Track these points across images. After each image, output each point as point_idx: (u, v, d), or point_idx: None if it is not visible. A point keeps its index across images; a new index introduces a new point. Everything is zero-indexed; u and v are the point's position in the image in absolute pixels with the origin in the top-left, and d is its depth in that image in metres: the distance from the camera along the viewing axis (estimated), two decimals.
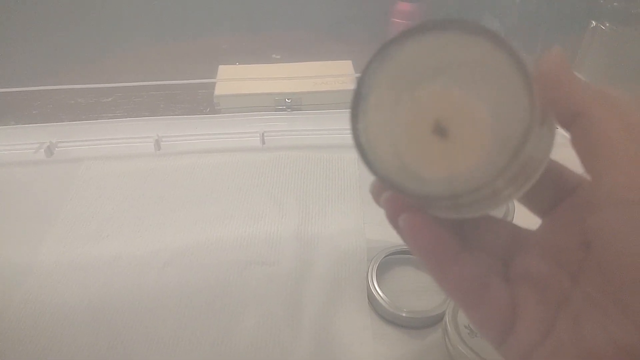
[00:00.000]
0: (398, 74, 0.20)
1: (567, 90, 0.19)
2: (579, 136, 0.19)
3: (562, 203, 0.22)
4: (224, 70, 0.71)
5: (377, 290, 0.45)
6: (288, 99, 0.67)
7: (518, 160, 0.18)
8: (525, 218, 0.24)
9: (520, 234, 0.23)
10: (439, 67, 0.19)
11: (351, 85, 0.68)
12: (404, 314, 0.43)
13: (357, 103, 0.20)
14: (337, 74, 0.69)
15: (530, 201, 0.23)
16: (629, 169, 0.18)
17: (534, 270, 0.21)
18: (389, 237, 0.50)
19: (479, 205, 0.20)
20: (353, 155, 0.60)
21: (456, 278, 0.20)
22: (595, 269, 0.19)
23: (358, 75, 0.20)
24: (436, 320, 0.43)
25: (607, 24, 0.70)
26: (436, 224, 0.20)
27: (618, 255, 0.17)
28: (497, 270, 0.22)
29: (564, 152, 0.21)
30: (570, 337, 0.19)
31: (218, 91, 0.67)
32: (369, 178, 0.21)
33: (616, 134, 0.18)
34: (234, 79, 0.70)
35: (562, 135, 0.20)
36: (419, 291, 0.46)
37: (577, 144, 0.19)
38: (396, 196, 0.20)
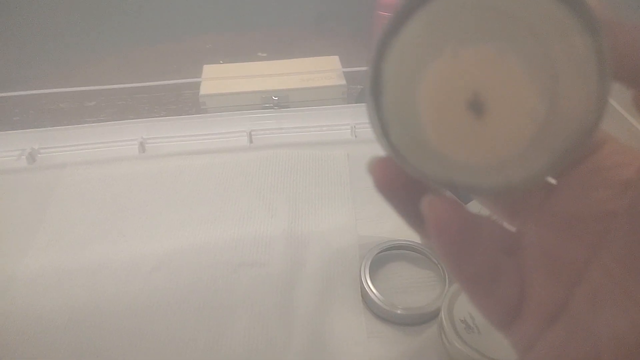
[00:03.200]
0: (437, 26, 0.16)
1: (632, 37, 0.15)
2: None
3: (582, 164, 0.18)
4: (208, 69, 0.70)
5: (370, 288, 0.44)
6: (275, 97, 0.66)
7: (576, 155, 0.15)
8: None
9: (534, 193, 0.20)
10: (490, 25, 0.15)
11: (338, 81, 0.67)
12: (398, 311, 0.42)
13: (381, 57, 0.16)
14: (323, 70, 0.68)
15: None
16: None
17: (546, 242, 0.19)
18: (382, 232, 0.50)
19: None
20: (342, 151, 0.59)
21: (472, 270, 0.18)
22: (624, 243, 0.16)
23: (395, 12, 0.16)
24: (432, 316, 0.42)
25: None
26: (461, 210, 0.17)
27: None
28: (509, 243, 0.19)
29: None
30: (584, 321, 0.16)
31: (203, 91, 0.66)
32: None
33: None
34: (219, 78, 0.69)
35: None
36: (413, 287, 0.45)
37: None
38: (389, 163, 0.17)
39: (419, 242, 0.48)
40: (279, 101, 0.66)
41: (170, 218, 0.53)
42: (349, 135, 0.62)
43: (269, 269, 0.47)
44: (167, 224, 0.52)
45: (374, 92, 0.16)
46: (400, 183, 0.18)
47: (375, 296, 0.43)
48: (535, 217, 0.19)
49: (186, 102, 0.70)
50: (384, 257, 0.47)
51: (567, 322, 0.17)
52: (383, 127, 0.16)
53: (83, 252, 0.50)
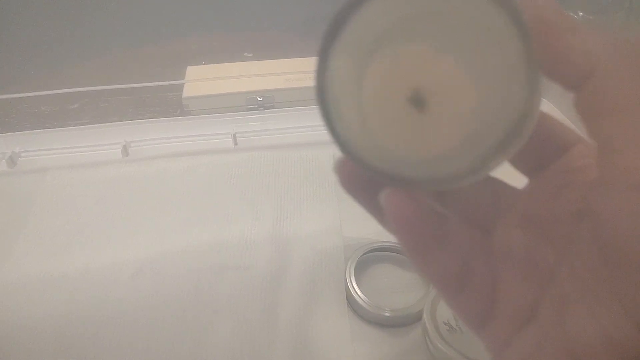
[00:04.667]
0: (376, 26, 0.16)
1: (574, 43, 0.15)
2: (587, 101, 0.15)
3: (552, 164, 0.18)
4: (192, 71, 0.69)
5: (355, 290, 0.43)
6: (260, 97, 0.65)
7: (513, 148, 0.16)
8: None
9: (504, 195, 0.20)
10: (427, 25, 0.16)
11: None
12: (383, 313, 0.42)
13: (327, 50, 0.17)
14: (308, 70, 0.68)
15: (514, 159, 0.20)
16: None
17: (516, 243, 0.19)
18: (367, 234, 0.49)
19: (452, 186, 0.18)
20: (328, 152, 0.59)
21: (440, 267, 0.18)
22: (590, 247, 0.16)
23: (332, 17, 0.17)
24: (417, 317, 0.42)
25: (580, 13, 0.70)
26: (421, 204, 0.17)
27: (627, 242, 0.14)
28: (479, 244, 0.19)
29: None
30: (554, 324, 0.16)
31: (187, 93, 0.65)
32: None
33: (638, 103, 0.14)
34: (203, 79, 0.68)
35: None
36: (399, 288, 0.45)
37: (584, 108, 0.15)
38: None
39: None
40: (263, 102, 0.66)
41: (152, 222, 0.52)
42: None
43: (253, 272, 0.46)
44: (150, 228, 0.51)
45: (319, 90, 0.17)
46: (364, 180, 0.18)
47: (361, 298, 0.43)
48: (506, 219, 0.19)
49: (170, 104, 0.69)
50: (369, 258, 0.47)
51: (538, 325, 0.17)
52: (329, 123, 0.17)
53: (65, 258, 0.49)
